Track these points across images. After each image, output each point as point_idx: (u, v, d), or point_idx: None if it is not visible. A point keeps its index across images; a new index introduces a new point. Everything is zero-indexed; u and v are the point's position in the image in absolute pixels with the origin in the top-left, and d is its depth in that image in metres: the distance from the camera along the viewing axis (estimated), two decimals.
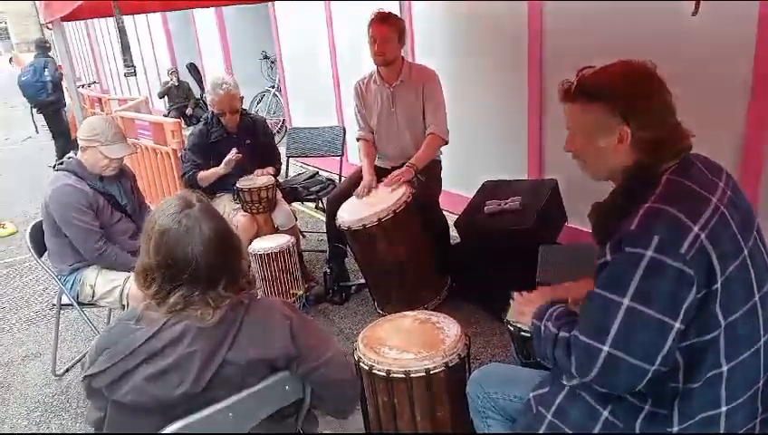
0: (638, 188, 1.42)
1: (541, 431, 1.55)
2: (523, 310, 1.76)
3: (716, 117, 2.99)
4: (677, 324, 1.30)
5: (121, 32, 2.95)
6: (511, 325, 1.93)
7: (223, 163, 3.79)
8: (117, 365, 1.39)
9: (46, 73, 8.80)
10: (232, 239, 1.53)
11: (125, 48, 3.04)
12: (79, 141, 2.97)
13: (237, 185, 3.78)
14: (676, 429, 1.38)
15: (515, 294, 1.84)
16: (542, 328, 1.51)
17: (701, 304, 1.32)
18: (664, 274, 1.28)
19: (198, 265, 1.42)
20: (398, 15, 3.77)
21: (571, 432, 1.51)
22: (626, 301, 1.31)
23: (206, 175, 3.87)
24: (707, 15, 2.28)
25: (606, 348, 1.32)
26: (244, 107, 4.09)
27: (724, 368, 1.36)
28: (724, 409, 1.38)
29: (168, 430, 1.37)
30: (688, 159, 1.46)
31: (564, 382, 1.44)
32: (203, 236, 1.44)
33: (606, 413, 1.47)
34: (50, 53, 9.04)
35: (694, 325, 1.33)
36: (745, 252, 1.38)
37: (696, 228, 1.31)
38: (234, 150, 3.79)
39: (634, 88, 1.43)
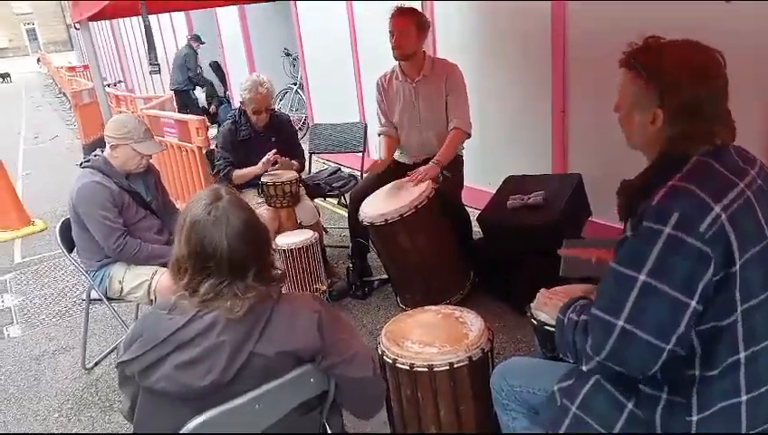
0: (666, 167, 1.42)
1: (565, 424, 1.55)
2: (546, 301, 1.79)
3: (742, 111, 2.94)
4: (693, 303, 1.29)
5: (147, 30, 3.00)
6: (534, 319, 1.93)
7: (260, 163, 3.83)
8: (149, 353, 1.42)
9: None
10: (259, 230, 1.56)
11: (151, 46, 3.08)
12: (107, 140, 3.00)
13: (262, 179, 3.82)
14: (695, 417, 1.37)
15: (542, 290, 1.86)
16: (566, 320, 1.51)
17: (719, 287, 1.31)
18: (681, 251, 1.28)
19: (225, 254, 1.46)
20: (419, 10, 3.74)
21: (595, 425, 1.50)
22: (642, 276, 1.31)
23: (242, 174, 3.92)
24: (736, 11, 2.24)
25: (620, 323, 1.32)
26: None
27: (742, 355, 1.35)
28: (744, 398, 1.36)
29: (197, 420, 1.40)
30: (723, 147, 1.44)
31: (583, 368, 1.44)
32: (231, 227, 1.47)
33: (630, 405, 1.47)
34: (193, 45, 9.59)
35: (711, 308, 1.32)
36: None
37: (717, 208, 1.30)
38: (273, 151, 3.83)
39: (683, 79, 1.38)
